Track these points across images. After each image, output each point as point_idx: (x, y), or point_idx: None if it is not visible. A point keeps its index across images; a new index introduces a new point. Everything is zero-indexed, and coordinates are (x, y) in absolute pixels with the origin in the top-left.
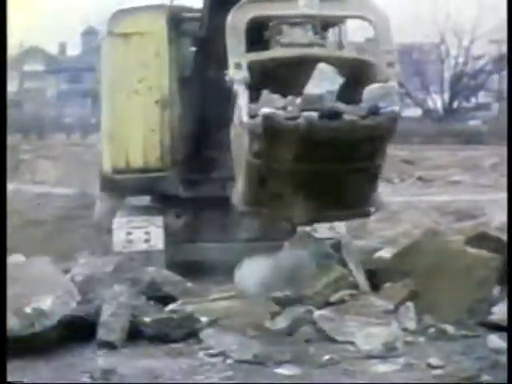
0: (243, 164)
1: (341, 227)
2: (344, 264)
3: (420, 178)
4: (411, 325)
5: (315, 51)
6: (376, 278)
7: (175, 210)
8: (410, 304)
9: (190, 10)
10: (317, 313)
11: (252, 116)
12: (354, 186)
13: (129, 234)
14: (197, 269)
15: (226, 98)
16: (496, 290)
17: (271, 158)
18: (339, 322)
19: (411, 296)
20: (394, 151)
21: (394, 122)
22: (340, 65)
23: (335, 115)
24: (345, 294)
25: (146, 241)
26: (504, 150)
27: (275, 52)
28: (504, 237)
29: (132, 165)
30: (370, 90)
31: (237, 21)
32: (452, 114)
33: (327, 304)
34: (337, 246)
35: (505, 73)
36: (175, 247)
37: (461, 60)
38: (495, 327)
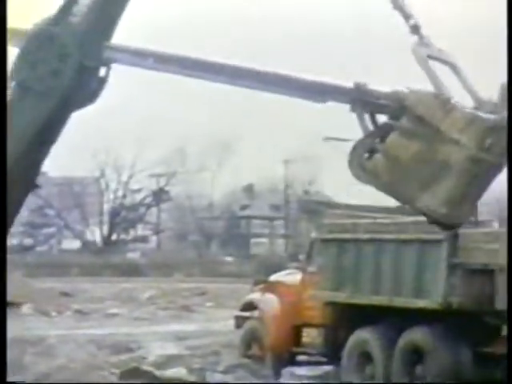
0: (459, 164)
1: None
2: None
3: (78, 311)
4: None
5: None
6: None
7: None
8: None
9: None
10: None
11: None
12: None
13: None
14: None
15: None
16: None
17: (497, 151)
18: None
19: None
20: (51, 283)
21: None
22: None
23: None
24: None
25: None
26: (162, 283)
27: None
28: (157, 372)
29: None
30: None
31: (422, 54)
32: (111, 246)
33: None
34: None
35: (163, 206)
36: None
37: (120, 193)
38: None
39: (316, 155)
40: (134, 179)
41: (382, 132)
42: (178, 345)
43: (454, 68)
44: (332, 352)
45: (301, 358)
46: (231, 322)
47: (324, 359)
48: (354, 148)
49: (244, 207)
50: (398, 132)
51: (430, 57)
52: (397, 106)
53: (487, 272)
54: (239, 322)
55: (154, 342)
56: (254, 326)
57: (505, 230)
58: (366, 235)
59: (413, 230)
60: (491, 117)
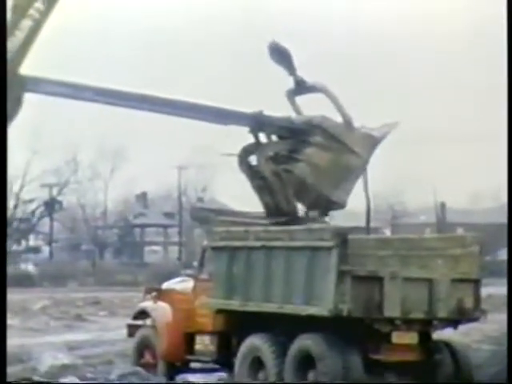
0: (357, 168)
1: None
2: None
3: None
4: None
5: None
6: None
7: None
8: None
9: None
10: None
11: None
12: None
13: None
14: None
15: None
16: None
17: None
18: None
19: None
20: None
21: None
22: None
23: None
24: None
25: None
26: (55, 293)
27: None
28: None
29: None
30: None
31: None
32: None
33: None
34: None
35: (55, 216)
36: None
37: (11, 204)
38: None
39: (210, 162)
40: (25, 189)
41: (281, 147)
42: (70, 354)
43: (326, 92)
44: (225, 359)
45: (194, 365)
46: (124, 331)
47: (217, 366)
48: (264, 160)
49: (138, 215)
50: (315, 146)
51: (303, 90)
52: (310, 127)
53: (376, 279)
54: (132, 330)
55: (47, 353)
56: (147, 335)
57: (396, 236)
58: (257, 242)
59: (303, 238)
60: (376, 133)
